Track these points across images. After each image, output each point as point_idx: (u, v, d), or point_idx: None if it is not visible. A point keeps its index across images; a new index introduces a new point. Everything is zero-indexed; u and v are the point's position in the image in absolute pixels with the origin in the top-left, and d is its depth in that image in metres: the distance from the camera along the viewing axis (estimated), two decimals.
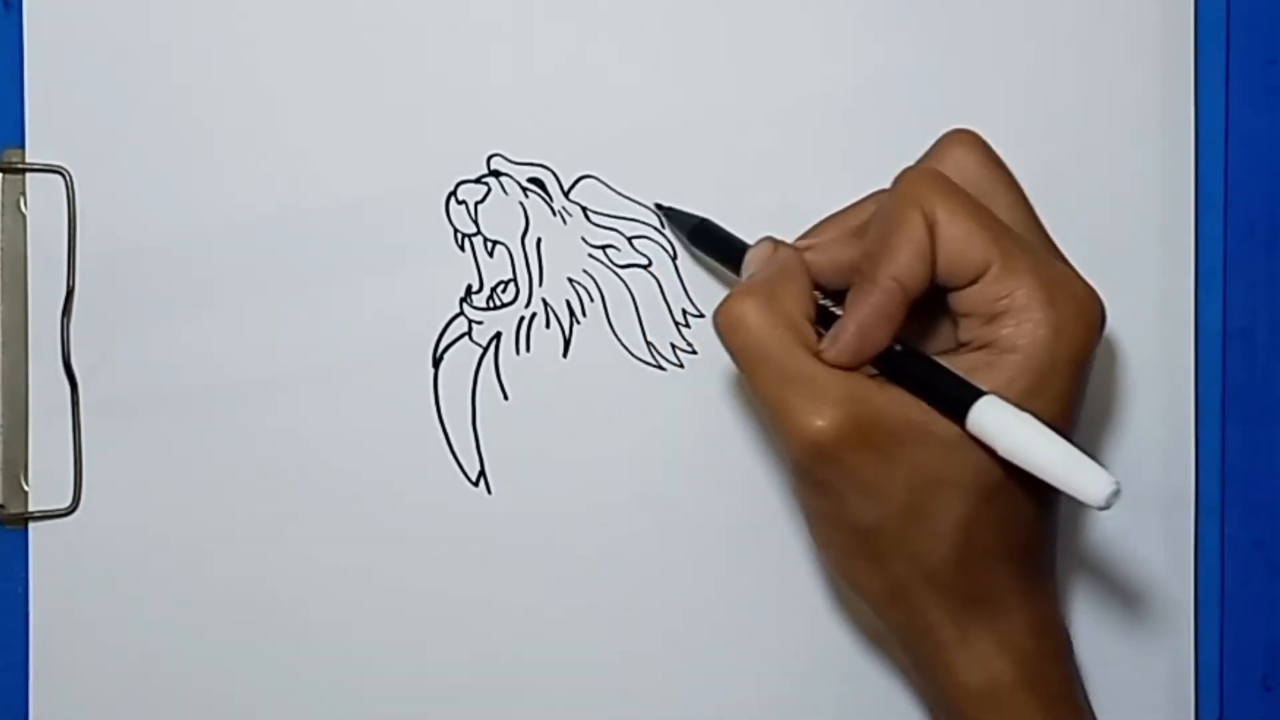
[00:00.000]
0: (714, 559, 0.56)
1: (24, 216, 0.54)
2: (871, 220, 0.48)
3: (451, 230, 0.55)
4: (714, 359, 0.55)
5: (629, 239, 0.56)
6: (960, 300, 0.47)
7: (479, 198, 0.55)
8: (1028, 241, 0.48)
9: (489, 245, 0.55)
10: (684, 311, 0.56)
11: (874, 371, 0.47)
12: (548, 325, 0.56)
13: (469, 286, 0.55)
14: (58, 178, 0.54)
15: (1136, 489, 0.57)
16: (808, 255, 0.49)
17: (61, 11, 0.54)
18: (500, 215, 0.55)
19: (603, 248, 0.56)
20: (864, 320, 0.46)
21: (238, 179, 0.55)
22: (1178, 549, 0.57)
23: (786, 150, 0.56)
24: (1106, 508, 0.43)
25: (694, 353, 0.56)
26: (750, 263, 0.50)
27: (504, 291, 0.56)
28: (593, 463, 0.56)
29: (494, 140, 0.55)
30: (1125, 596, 0.57)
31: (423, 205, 0.55)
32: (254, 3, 0.55)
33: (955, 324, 0.48)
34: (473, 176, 0.55)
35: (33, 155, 0.54)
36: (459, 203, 0.55)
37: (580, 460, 0.56)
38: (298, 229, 0.55)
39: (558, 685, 0.56)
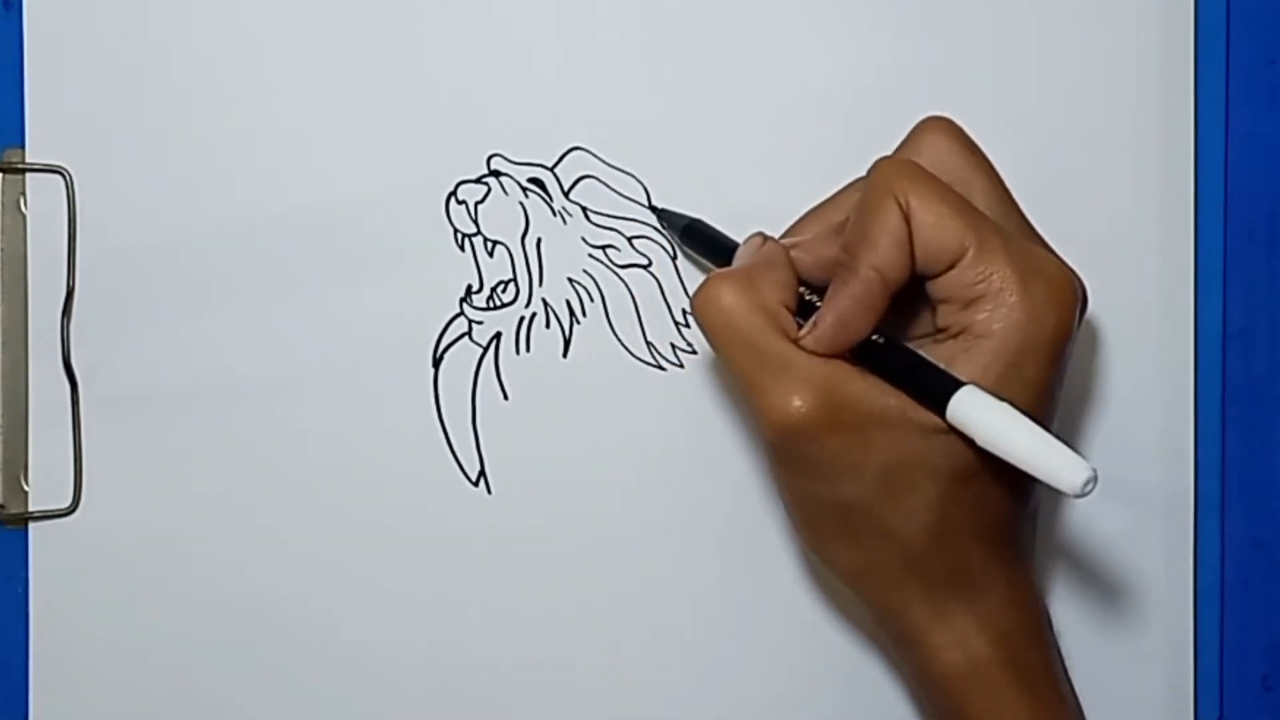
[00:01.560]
0: (714, 558, 0.56)
1: (24, 216, 0.54)
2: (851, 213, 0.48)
3: (451, 230, 0.55)
4: (714, 359, 0.55)
5: (629, 239, 0.56)
6: (937, 287, 0.47)
7: (479, 198, 0.55)
8: (1003, 227, 0.48)
9: (489, 245, 0.55)
10: (684, 311, 0.56)
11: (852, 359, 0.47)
12: (548, 325, 0.56)
13: (469, 286, 0.55)
14: (58, 178, 0.54)
15: (1136, 489, 0.57)
16: (794, 253, 0.49)
17: (61, 11, 0.54)
18: (500, 215, 0.55)
19: (603, 248, 0.56)
20: (843, 310, 0.47)
21: (237, 179, 0.55)
22: (1178, 549, 0.57)
23: (786, 150, 0.56)
24: (1083, 496, 0.43)
25: (694, 353, 0.56)
26: (739, 256, 0.51)
27: (504, 291, 0.56)
28: (593, 463, 0.56)
29: (494, 140, 0.55)
30: (1125, 596, 0.57)
31: (423, 205, 0.55)
32: (254, 3, 0.55)
33: (934, 311, 0.48)
34: (473, 176, 0.55)
35: (33, 155, 0.54)
36: (459, 203, 0.55)
37: (580, 460, 0.56)
38: (298, 229, 0.55)
39: (557, 685, 0.56)
